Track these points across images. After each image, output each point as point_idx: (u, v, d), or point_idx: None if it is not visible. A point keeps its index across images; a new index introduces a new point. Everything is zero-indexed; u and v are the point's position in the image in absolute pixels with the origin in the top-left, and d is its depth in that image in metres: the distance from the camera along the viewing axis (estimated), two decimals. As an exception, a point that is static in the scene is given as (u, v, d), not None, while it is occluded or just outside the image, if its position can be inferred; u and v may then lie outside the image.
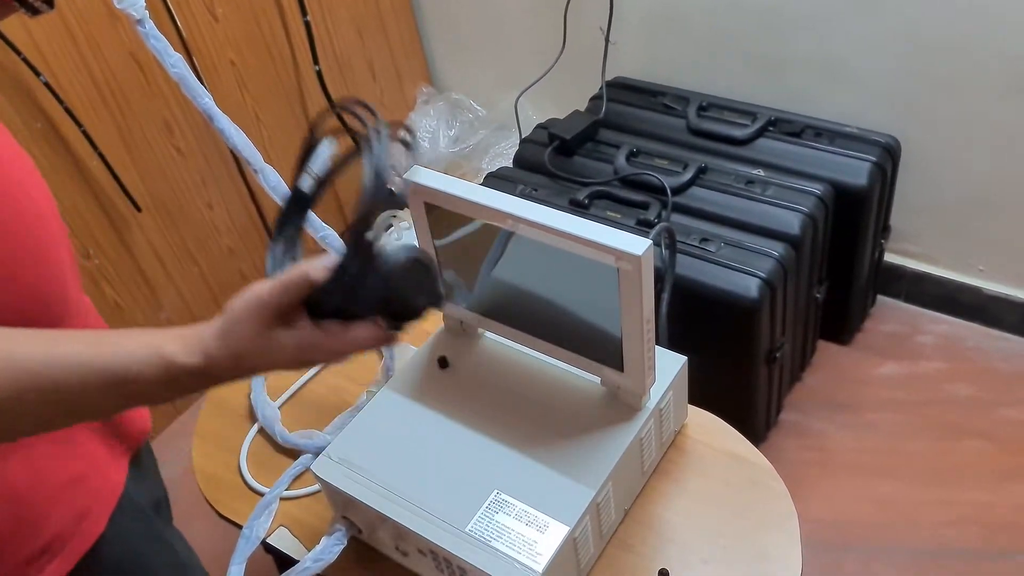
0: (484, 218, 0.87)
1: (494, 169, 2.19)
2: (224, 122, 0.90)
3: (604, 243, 0.79)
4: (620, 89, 1.77)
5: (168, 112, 1.63)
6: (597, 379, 0.92)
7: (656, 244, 1.22)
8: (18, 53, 1.36)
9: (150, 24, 0.81)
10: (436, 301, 0.66)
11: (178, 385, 0.57)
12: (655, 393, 0.91)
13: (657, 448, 0.95)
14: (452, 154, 2.17)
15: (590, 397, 0.92)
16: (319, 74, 1.89)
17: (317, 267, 0.60)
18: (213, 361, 0.57)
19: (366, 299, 0.61)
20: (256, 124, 1.83)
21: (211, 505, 1.09)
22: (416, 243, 0.95)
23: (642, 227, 1.45)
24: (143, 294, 1.73)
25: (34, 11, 0.79)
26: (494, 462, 0.88)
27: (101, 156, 1.53)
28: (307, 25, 1.82)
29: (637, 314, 0.82)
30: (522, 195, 1.59)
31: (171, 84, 1.47)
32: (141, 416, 0.85)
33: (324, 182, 0.68)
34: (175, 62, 0.84)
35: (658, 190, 1.51)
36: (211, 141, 1.73)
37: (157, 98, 1.60)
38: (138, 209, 1.64)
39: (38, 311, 0.69)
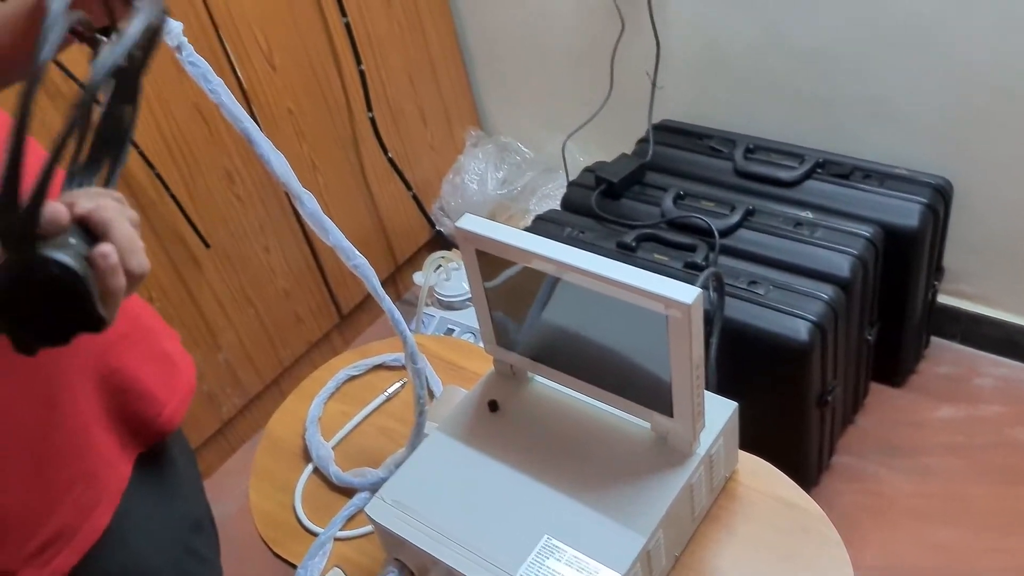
0: (534, 265, 0.89)
1: (541, 210, 2.22)
2: (265, 146, 0.89)
3: (653, 291, 0.80)
4: (667, 132, 1.79)
5: (229, 162, 1.69)
6: (647, 424, 0.93)
7: (704, 288, 1.22)
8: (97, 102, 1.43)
9: (188, 50, 0.82)
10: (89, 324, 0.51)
11: None
12: (705, 439, 0.91)
13: (707, 494, 0.95)
14: (500, 196, 2.21)
15: (640, 442, 0.93)
16: (372, 120, 1.95)
17: None
18: None
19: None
20: (312, 171, 1.89)
21: (267, 544, 1.12)
22: (467, 284, 0.97)
23: (690, 270, 1.46)
24: (202, 337, 1.78)
25: (94, 44, 0.83)
26: (545, 507, 0.89)
27: (173, 197, 1.60)
28: (362, 74, 1.88)
29: (686, 360, 0.83)
30: (570, 238, 1.61)
31: (232, 135, 1.53)
32: (158, 414, 0.87)
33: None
34: (214, 87, 0.83)
35: (705, 232, 1.52)
36: (269, 188, 1.79)
37: (219, 149, 1.67)
38: (207, 245, 1.70)
39: None
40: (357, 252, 0.95)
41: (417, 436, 1.09)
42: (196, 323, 1.76)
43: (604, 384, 0.94)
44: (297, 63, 1.77)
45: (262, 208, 1.80)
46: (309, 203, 0.92)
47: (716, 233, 1.50)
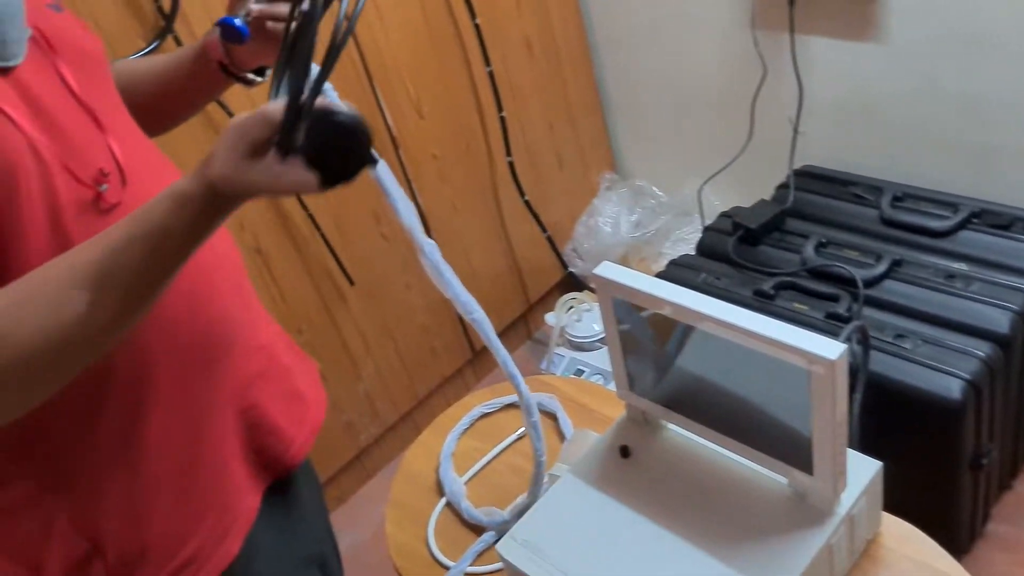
0: (671, 314, 0.90)
1: (675, 254, 2.21)
2: (395, 195, 0.91)
3: (796, 345, 0.79)
4: (808, 178, 1.76)
5: (376, 203, 1.78)
6: (784, 479, 0.91)
7: (847, 341, 1.19)
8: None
9: (332, 96, 0.82)
10: (368, 162, 0.70)
11: (189, 213, 0.65)
12: (847, 499, 0.88)
13: (847, 556, 0.92)
14: (633, 239, 2.21)
15: (777, 498, 0.91)
16: (511, 165, 2.01)
17: (276, 107, 0.64)
18: (204, 182, 0.64)
19: (310, 142, 0.65)
20: (453, 212, 1.96)
21: (400, 575, 1.15)
22: (597, 325, 0.98)
23: (832, 320, 1.41)
24: (344, 367, 1.87)
25: (248, 83, 0.91)
26: (676, 559, 0.89)
27: (323, 236, 1.70)
28: (502, 120, 1.95)
29: (829, 417, 0.81)
30: (705, 284, 1.60)
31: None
32: (286, 449, 0.91)
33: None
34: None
35: (849, 282, 1.47)
36: (411, 227, 1.88)
37: (369, 190, 1.76)
38: (351, 282, 1.79)
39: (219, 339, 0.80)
40: (476, 304, 0.97)
41: (536, 485, 1.10)
42: (339, 354, 1.85)
43: (740, 436, 0.93)
44: (443, 111, 1.86)
45: (405, 247, 1.88)
46: (431, 253, 0.94)
47: (860, 283, 1.45)
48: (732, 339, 0.85)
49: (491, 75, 1.89)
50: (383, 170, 0.90)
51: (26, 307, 0.62)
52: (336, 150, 0.66)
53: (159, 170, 0.85)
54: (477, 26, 1.82)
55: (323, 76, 0.65)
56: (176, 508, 0.81)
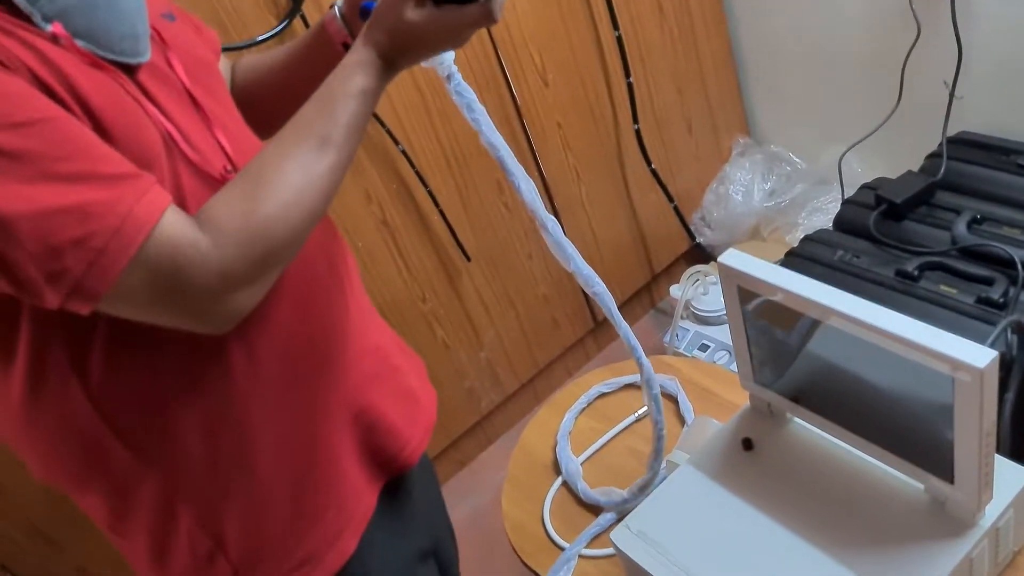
0: (798, 308, 0.85)
1: (811, 224, 2.09)
2: (517, 174, 0.90)
3: (940, 351, 0.73)
4: (964, 146, 1.61)
5: (499, 173, 1.77)
6: (920, 485, 0.85)
7: (1002, 335, 1.10)
8: (383, 125, 1.57)
9: (456, 79, 0.87)
10: None
11: (366, 73, 0.75)
12: (992, 510, 0.82)
13: (990, 570, 0.85)
14: (766, 208, 2.11)
15: (912, 505, 0.85)
16: (637, 132, 1.95)
17: None
18: (375, 44, 0.76)
19: None
20: (576, 181, 1.93)
21: (516, 552, 1.17)
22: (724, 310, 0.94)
23: (983, 306, 1.30)
24: (467, 335, 1.89)
25: None
26: (799, 562, 0.85)
27: (441, 213, 1.72)
28: (630, 86, 1.89)
29: (975, 426, 0.74)
30: (841, 262, 1.51)
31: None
32: (402, 449, 0.92)
33: None
34: (476, 116, 0.88)
35: (1007, 264, 1.35)
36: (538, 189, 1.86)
37: (491, 160, 1.76)
38: (467, 259, 1.81)
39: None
40: (597, 279, 0.96)
41: (656, 461, 1.08)
42: (462, 323, 1.87)
43: (872, 436, 0.88)
44: (568, 78, 1.82)
45: (527, 217, 1.87)
46: (553, 230, 0.94)
47: (1020, 265, 1.33)
48: (868, 339, 0.79)
49: (619, 39, 1.83)
50: (505, 151, 0.90)
51: (295, 173, 0.71)
52: None
53: None
54: (606, -11, 1.77)
55: None
56: (293, 508, 0.83)
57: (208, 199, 0.70)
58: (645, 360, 1.01)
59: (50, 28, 0.67)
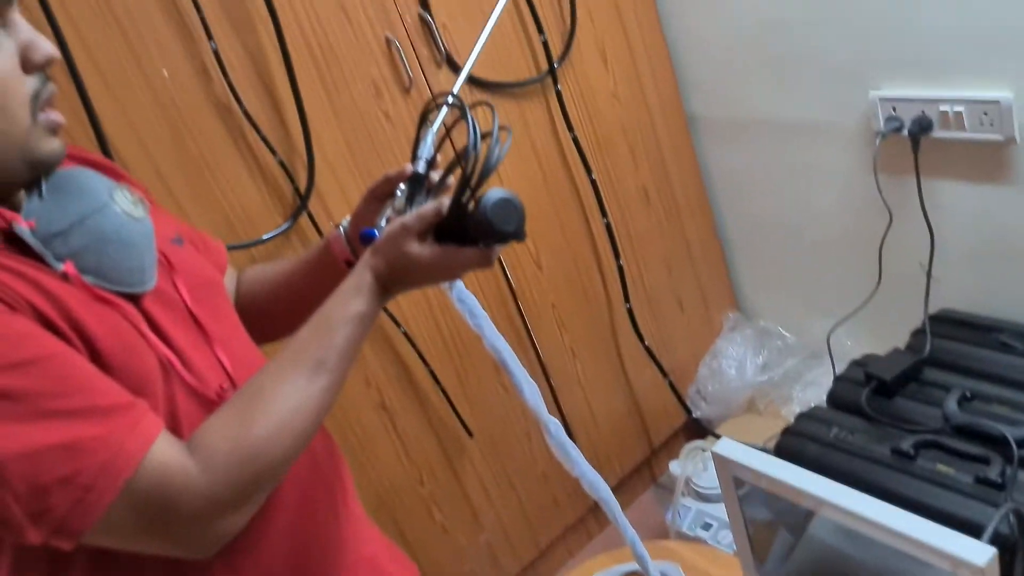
0: (798, 501, 0.86)
1: (806, 398, 2.12)
2: (520, 376, 0.94)
3: (940, 548, 0.73)
4: (947, 324, 1.66)
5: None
6: None
7: (998, 535, 1.10)
8: (384, 309, 1.62)
9: (459, 286, 0.93)
10: (521, 234, 0.82)
11: (363, 298, 0.81)
12: None
13: None
14: (760, 382, 2.14)
15: None
16: (629, 311, 2.01)
17: (443, 203, 0.82)
18: (375, 271, 0.81)
19: (475, 226, 0.81)
20: (572, 359, 1.97)
21: None
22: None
23: (982, 485, 1.30)
24: (466, 518, 1.86)
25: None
26: None
27: (443, 391, 1.74)
28: (620, 268, 1.96)
29: (980, 628, 0.73)
30: (836, 439, 1.52)
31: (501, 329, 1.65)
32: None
33: (431, 163, 0.92)
34: (479, 321, 0.93)
35: (999, 442, 1.36)
36: (528, 367, 1.89)
37: (488, 341, 1.80)
38: (470, 435, 1.81)
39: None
40: (602, 484, 0.97)
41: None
42: (461, 505, 1.85)
43: (881, 634, 0.86)
44: (561, 262, 1.90)
45: (525, 396, 1.89)
46: (555, 432, 0.96)
47: (1014, 444, 1.34)
48: (874, 536, 0.80)
49: (608, 226, 1.92)
50: (508, 354, 0.94)
51: (289, 398, 0.74)
52: (496, 226, 0.80)
53: None
54: (593, 181, 1.87)
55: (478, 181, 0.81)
56: None
57: (203, 420, 0.73)
58: (650, 564, 1.00)
59: (62, 268, 0.71)
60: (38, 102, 0.72)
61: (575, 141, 1.83)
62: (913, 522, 0.77)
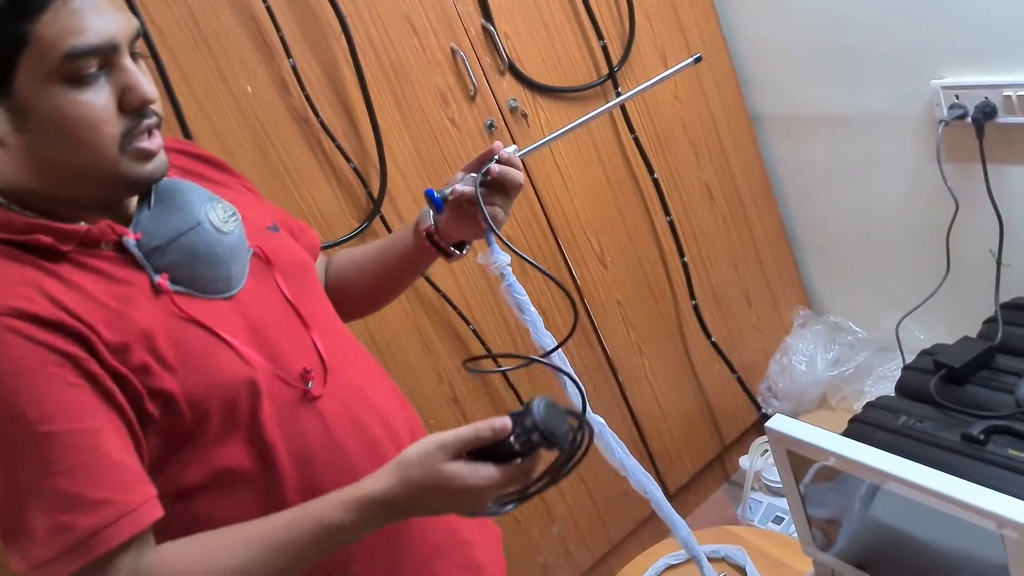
0: (847, 471, 0.88)
1: (877, 392, 2.10)
2: (568, 380, 0.99)
3: (985, 508, 0.75)
4: (1019, 311, 1.64)
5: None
6: (989, 652, 0.84)
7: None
8: (454, 307, 1.70)
9: (509, 280, 0.96)
10: (566, 440, 0.80)
11: (369, 517, 0.78)
12: None
13: None
14: (831, 377, 2.13)
15: (982, 673, 0.84)
16: (695, 308, 2.04)
17: (479, 428, 0.77)
18: (390, 486, 0.77)
19: (531, 446, 0.78)
20: (639, 355, 2.01)
21: None
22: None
23: (1054, 469, 1.29)
24: (538, 509, 1.91)
25: (448, 255, 1.05)
26: None
27: (511, 386, 1.80)
28: (684, 265, 2.00)
29: (1028, 586, 0.75)
30: (905, 427, 1.51)
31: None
32: None
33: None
34: (527, 316, 0.97)
35: (1073, 426, 1.34)
36: (597, 370, 1.94)
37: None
38: (537, 432, 1.86)
39: None
40: (641, 470, 1.00)
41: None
42: (534, 498, 1.90)
43: (937, 601, 0.87)
44: (626, 260, 1.94)
45: (592, 390, 1.94)
46: (602, 432, 0.99)
47: (1086, 427, 1.32)
48: (917, 499, 0.82)
49: (671, 223, 1.96)
50: (555, 353, 0.97)
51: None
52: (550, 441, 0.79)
53: (354, 359, 0.99)
54: (656, 180, 1.91)
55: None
56: None
57: (292, 402, 0.83)
58: (694, 544, 1.03)
59: (158, 279, 0.82)
60: (129, 137, 0.80)
61: (636, 142, 1.88)
62: (960, 486, 0.79)
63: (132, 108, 0.80)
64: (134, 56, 0.81)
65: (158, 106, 0.83)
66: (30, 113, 0.76)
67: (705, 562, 1.03)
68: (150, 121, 0.82)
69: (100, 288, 0.80)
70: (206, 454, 0.84)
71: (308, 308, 0.93)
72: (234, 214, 0.90)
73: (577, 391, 0.87)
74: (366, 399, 0.95)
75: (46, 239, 0.78)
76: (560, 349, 0.96)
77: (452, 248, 1.05)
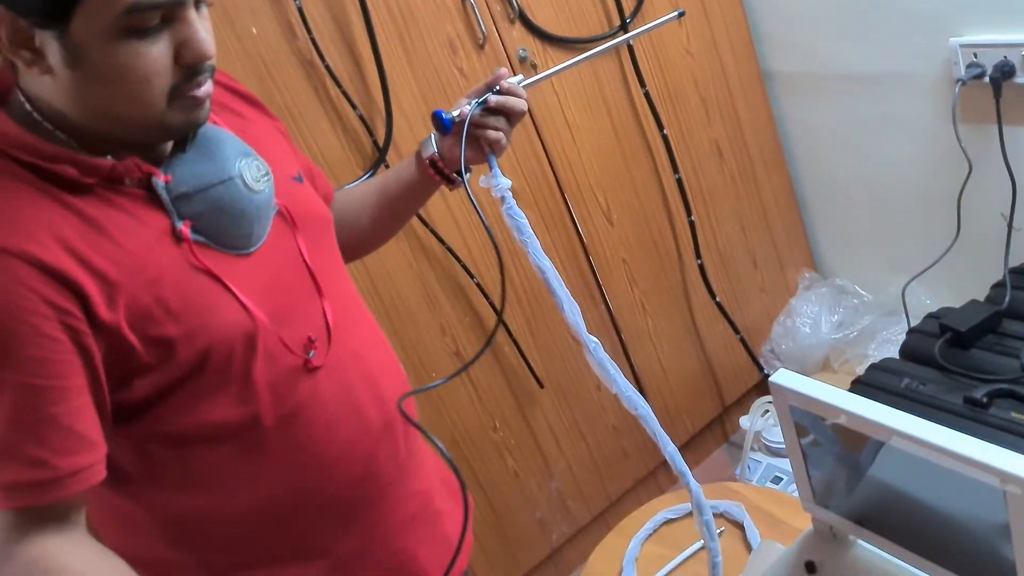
0: (852, 426, 0.88)
1: (881, 356, 2.09)
2: (562, 295, 0.96)
3: (988, 464, 0.75)
4: (1028, 276, 1.63)
5: (568, 305, 1.86)
6: (986, 609, 0.84)
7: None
8: (458, 260, 1.69)
9: (509, 203, 0.94)
10: None
11: None
12: (1062, 635, 0.80)
13: None
14: (834, 340, 2.13)
15: (978, 628, 0.84)
16: (701, 267, 2.02)
17: None
18: None
19: None
20: (643, 314, 2.00)
21: None
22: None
23: (1057, 433, 1.28)
24: (537, 464, 1.92)
25: (451, 182, 1.05)
26: None
27: (515, 342, 1.80)
28: (691, 224, 1.98)
29: (1029, 542, 0.75)
30: (907, 389, 1.51)
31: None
32: None
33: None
34: (525, 238, 0.94)
35: (1078, 391, 1.34)
36: (600, 329, 1.93)
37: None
38: (541, 385, 1.86)
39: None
40: (641, 400, 1.00)
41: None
42: (532, 452, 1.91)
43: (937, 556, 0.87)
44: (632, 218, 1.92)
45: (596, 349, 1.93)
46: (596, 351, 0.99)
47: (1091, 392, 1.31)
48: (921, 455, 0.81)
49: (679, 182, 1.94)
50: (551, 272, 0.97)
51: None
52: None
53: (357, 323, 0.98)
54: (665, 136, 1.89)
55: None
56: None
57: (292, 370, 0.84)
58: (694, 484, 1.03)
59: (180, 225, 0.81)
60: (180, 89, 0.78)
61: (647, 96, 1.85)
62: (962, 441, 0.78)
63: (189, 63, 0.78)
64: (199, 5, 0.79)
65: (214, 58, 0.81)
66: (83, 54, 0.74)
67: (692, 479, 1.02)
68: (204, 75, 0.80)
69: (119, 225, 0.78)
70: (198, 406, 0.83)
71: (324, 270, 0.93)
72: (267, 174, 0.88)
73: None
74: (362, 367, 0.94)
75: (70, 171, 0.77)
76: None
77: (455, 174, 1.04)
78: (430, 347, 1.71)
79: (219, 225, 0.83)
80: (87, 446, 0.76)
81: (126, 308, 0.77)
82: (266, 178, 0.88)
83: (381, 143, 1.55)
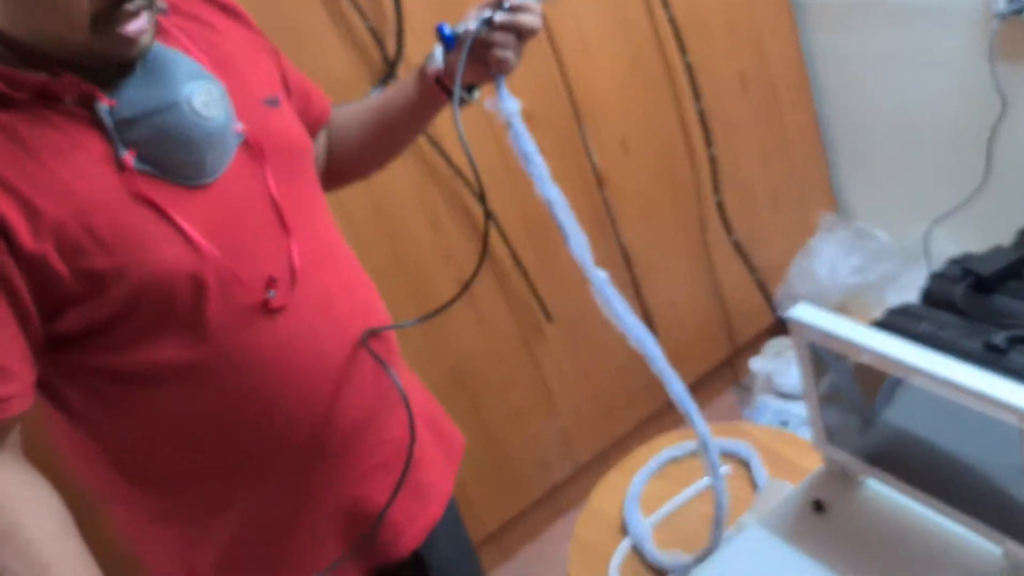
0: (870, 363, 0.84)
1: (899, 302, 2.04)
2: (567, 224, 0.94)
3: (1004, 400, 0.71)
4: (1058, 221, 1.56)
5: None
6: (998, 549, 0.81)
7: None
8: (467, 184, 1.63)
9: (519, 127, 0.90)
10: None
11: None
12: (1077, 581, 0.77)
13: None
14: (852, 284, 2.07)
15: (987, 568, 0.82)
16: (719, 204, 1.97)
17: None
18: None
19: None
20: (657, 251, 1.95)
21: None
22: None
23: (1079, 381, 1.24)
24: (541, 401, 1.90)
25: (462, 102, 0.99)
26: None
27: (524, 271, 1.75)
28: (712, 158, 1.91)
29: (1051, 485, 0.71)
30: (925, 333, 1.47)
31: (582, 217, 1.65)
32: (392, 542, 0.95)
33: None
34: (532, 167, 0.91)
35: (1104, 339, 1.29)
36: (609, 265, 1.89)
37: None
38: (549, 318, 1.83)
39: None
40: (650, 339, 0.96)
41: (717, 528, 1.06)
42: (537, 387, 1.89)
43: (948, 498, 0.85)
44: (649, 148, 1.86)
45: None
46: (600, 285, 0.95)
47: (1118, 341, 1.27)
48: (937, 392, 0.78)
49: (701, 112, 1.87)
50: (558, 203, 0.93)
51: None
52: None
53: (330, 262, 0.92)
54: (688, 64, 1.81)
55: None
56: (264, 571, 0.90)
57: (251, 309, 0.81)
58: (699, 420, 1.00)
59: (124, 153, 0.76)
60: (106, 19, 0.73)
61: (671, 22, 1.77)
62: (987, 380, 0.75)
63: None
64: None
65: None
66: None
67: (698, 417, 0.99)
68: (132, 5, 0.74)
69: (51, 146, 0.74)
70: (141, 345, 0.79)
71: (294, 205, 0.87)
72: (222, 97, 0.82)
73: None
74: (330, 308, 0.89)
75: None
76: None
77: (464, 91, 0.99)
78: (432, 274, 1.67)
79: (166, 154, 0.78)
80: (7, 377, 0.73)
81: (54, 237, 0.72)
82: (220, 102, 0.81)
83: (392, 56, 1.49)
